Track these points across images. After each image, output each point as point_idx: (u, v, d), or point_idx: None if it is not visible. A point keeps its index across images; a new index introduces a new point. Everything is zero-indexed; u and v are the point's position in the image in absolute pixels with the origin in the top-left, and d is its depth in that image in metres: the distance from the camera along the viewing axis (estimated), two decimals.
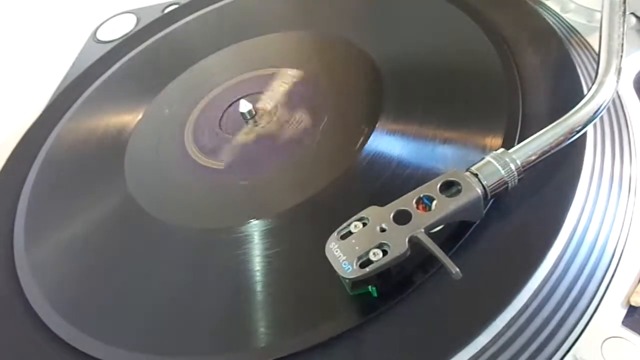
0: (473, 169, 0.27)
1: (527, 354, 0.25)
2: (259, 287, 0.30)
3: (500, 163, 0.27)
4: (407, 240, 0.25)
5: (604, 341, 0.26)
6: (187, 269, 0.33)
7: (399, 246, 0.25)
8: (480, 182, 0.26)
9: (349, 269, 0.25)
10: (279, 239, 0.32)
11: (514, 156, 0.27)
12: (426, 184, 0.27)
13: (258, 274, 0.30)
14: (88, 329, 0.31)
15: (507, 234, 0.28)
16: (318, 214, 0.32)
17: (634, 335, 0.26)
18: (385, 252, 0.25)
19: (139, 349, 0.29)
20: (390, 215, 0.26)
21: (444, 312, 0.26)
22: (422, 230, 0.25)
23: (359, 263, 0.25)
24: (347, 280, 0.25)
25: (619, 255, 0.28)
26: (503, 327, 0.25)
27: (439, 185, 0.26)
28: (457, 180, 0.26)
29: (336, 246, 0.26)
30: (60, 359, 0.30)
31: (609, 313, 0.26)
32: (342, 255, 0.25)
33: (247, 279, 0.30)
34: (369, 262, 0.25)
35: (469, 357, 0.25)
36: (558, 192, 0.29)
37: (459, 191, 0.26)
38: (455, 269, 0.23)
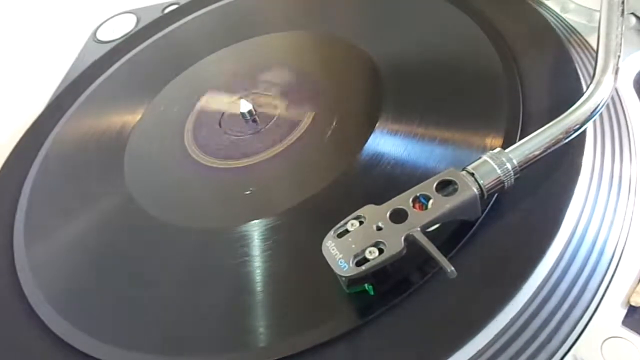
0: (469, 168, 0.27)
1: (527, 353, 0.25)
2: (258, 287, 0.30)
3: (496, 162, 0.27)
4: (403, 239, 0.25)
5: (604, 341, 0.26)
6: (187, 268, 0.32)
7: (395, 245, 0.25)
8: (477, 181, 0.26)
9: (345, 267, 0.25)
10: (279, 239, 0.32)
11: (510, 155, 0.27)
12: (423, 183, 0.27)
13: (258, 273, 0.30)
14: (87, 328, 0.31)
15: (507, 233, 0.28)
16: (318, 214, 0.32)
17: (634, 335, 0.25)
18: (381, 251, 0.25)
19: (139, 349, 0.29)
20: (386, 213, 0.26)
21: (444, 312, 0.26)
22: (419, 229, 0.25)
23: (355, 261, 0.25)
24: (344, 278, 0.25)
25: (619, 255, 0.28)
26: (503, 327, 0.25)
27: (435, 185, 0.26)
28: (454, 179, 0.26)
29: (333, 244, 0.26)
30: (59, 359, 0.30)
31: (609, 313, 0.26)
32: (339, 253, 0.25)
33: (246, 279, 0.30)
34: (365, 260, 0.25)
35: (469, 357, 0.25)
36: (558, 192, 0.28)
37: (455, 190, 0.26)
38: (450, 268, 0.23)
